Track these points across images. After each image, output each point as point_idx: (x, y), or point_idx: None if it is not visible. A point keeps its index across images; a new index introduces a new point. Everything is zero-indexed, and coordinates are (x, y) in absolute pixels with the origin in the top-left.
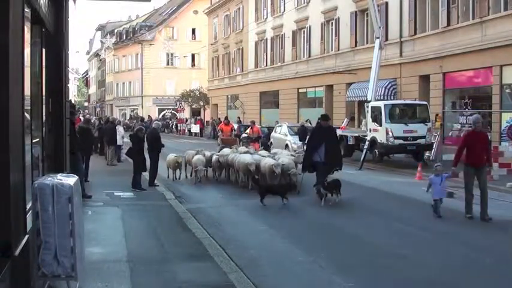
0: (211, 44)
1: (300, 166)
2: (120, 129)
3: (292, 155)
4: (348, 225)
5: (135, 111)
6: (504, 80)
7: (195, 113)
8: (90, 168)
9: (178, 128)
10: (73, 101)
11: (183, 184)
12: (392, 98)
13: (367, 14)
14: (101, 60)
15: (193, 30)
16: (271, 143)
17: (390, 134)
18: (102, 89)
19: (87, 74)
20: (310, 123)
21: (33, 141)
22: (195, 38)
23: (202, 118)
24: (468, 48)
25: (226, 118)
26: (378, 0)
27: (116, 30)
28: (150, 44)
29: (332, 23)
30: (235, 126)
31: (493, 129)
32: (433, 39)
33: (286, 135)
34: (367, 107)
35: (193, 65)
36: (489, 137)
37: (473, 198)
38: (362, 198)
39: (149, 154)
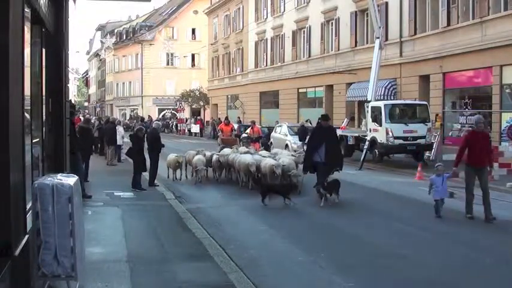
0: (211, 44)
1: (300, 166)
2: (120, 129)
3: (292, 155)
4: (348, 225)
5: (135, 111)
6: (504, 80)
7: (195, 113)
8: (90, 168)
9: (178, 128)
10: (73, 101)
11: (183, 184)
12: (392, 98)
13: (367, 14)
14: (101, 60)
15: (193, 30)
16: (271, 143)
17: (390, 134)
18: (102, 89)
19: (87, 74)
20: (311, 123)
21: (33, 141)
22: (195, 38)
23: (202, 118)
24: (468, 48)
25: (226, 118)
26: (378, 0)
27: (116, 30)
28: (150, 44)
29: (332, 23)
30: (235, 126)
31: (493, 129)
32: (433, 39)
33: (286, 135)
34: (367, 107)
35: (193, 65)
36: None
37: (473, 199)
38: (362, 198)
39: (149, 154)
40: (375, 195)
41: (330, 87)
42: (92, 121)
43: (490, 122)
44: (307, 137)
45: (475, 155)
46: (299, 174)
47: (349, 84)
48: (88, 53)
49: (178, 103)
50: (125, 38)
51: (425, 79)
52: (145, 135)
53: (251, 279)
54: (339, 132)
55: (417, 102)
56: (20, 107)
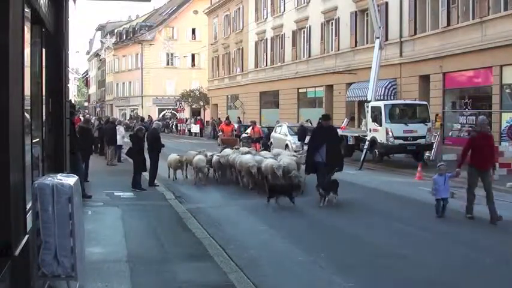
0: (211, 44)
1: (302, 167)
2: (121, 129)
3: (294, 155)
4: (348, 225)
5: (135, 111)
6: (504, 80)
7: (195, 113)
8: (90, 168)
9: (178, 128)
10: (73, 101)
11: (183, 184)
12: (392, 98)
13: (367, 14)
14: (101, 60)
15: (193, 30)
16: (271, 143)
17: (390, 134)
18: (102, 89)
19: (87, 74)
20: (311, 123)
21: (33, 141)
22: (195, 38)
23: (202, 118)
24: (468, 48)
25: (227, 118)
26: (378, 0)
27: (116, 30)
28: (150, 44)
29: (332, 23)
30: (236, 126)
31: (493, 129)
32: (433, 39)
33: (286, 135)
34: (367, 107)
35: (193, 65)
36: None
37: (474, 199)
38: (362, 198)
39: (149, 154)
40: (375, 195)
41: (330, 87)
42: (92, 121)
43: (490, 122)
44: (306, 137)
45: (479, 157)
46: (300, 175)
47: (349, 84)
48: (88, 53)
49: (178, 103)
50: (125, 38)
51: (425, 79)
52: (146, 135)
53: (251, 279)
54: (339, 132)
55: (417, 102)
56: (20, 107)
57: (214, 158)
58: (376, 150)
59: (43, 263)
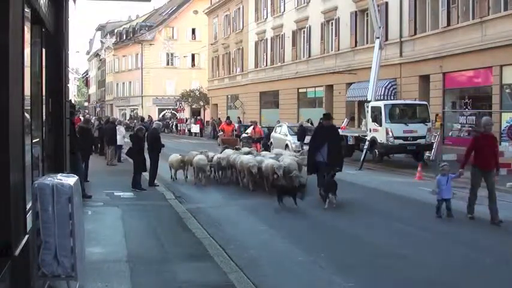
0: (211, 44)
1: (304, 168)
2: (121, 129)
3: (296, 156)
4: (348, 225)
5: (135, 111)
6: (504, 80)
7: (195, 113)
8: (90, 168)
9: (178, 128)
10: (73, 101)
11: (183, 184)
12: (392, 98)
13: (367, 14)
14: (101, 60)
15: (193, 30)
16: (271, 143)
17: (390, 134)
18: (102, 89)
19: (87, 74)
20: (312, 123)
21: (33, 141)
22: (195, 38)
23: (202, 118)
24: (468, 48)
25: (228, 118)
26: (378, 0)
27: (116, 30)
28: (150, 44)
29: (332, 23)
30: (236, 126)
31: (493, 129)
32: (433, 39)
33: (286, 135)
34: (367, 107)
35: (193, 65)
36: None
37: (476, 200)
38: (362, 198)
39: (149, 154)
40: (375, 195)
41: (330, 87)
42: (92, 121)
43: None
44: (306, 137)
45: (483, 157)
46: (301, 176)
47: (349, 84)
48: (88, 53)
49: (178, 103)
50: (125, 38)
51: (425, 79)
52: (146, 135)
53: (251, 279)
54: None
55: (417, 102)
56: (20, 107)
57: (215, 158)
58: (376, 150)
59: (43, 263)
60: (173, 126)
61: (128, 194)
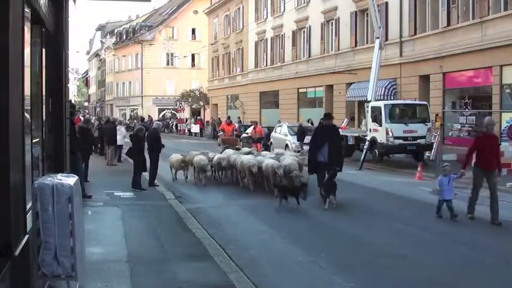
0: (211, 44)
1: (305, 169)
2: (122, 129)
3: (296, 156)
4: (348, 225)
5: (135, 111)
6: (504, 80)
7: (195, 113)
8: (90, 168)
9: (178, 128)
10: (73, 101)
11: (183, 184)
12: (392, 98)
13: (367, 14)
14: (101, 60)
15: (193, 30)
16: (271, 143)
17: (390, 134)
18: (102, 89)
19: (87, 74)
20: (312, 123)
21: (33, 141)
22: (195, 38)
23: (202, 118)
24: (468, 48)
25: (228, 118)
26: (378, 0)
27: (116, 30)
28: (150, 44)
29: (332, 23)
30: (236, 126)
31: (494, 129)
32: (433, 39)
33: (286, 135)
34: (367, 107)
35: (193, 65)
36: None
37: (477, 200)
38: (362, 198)
39: (149, 154)
40: (375, 195)
41: (330, 87)
42: (92, 121)
43: None
44: (306, 138)
45: (485, 158)
46: (302, 175)
47: (349, 84)
48: (88, 53)
49: (178, 103)
50: (125, 38)
51: (425, 79)
52: (146, 135)
53: (251, 279)
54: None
55: (417, 102)
56: (20, 107)
57: (215, 158)
58: (376, 150)
59: (43, 263)
60: (173, 126)
61: (128, 194)
